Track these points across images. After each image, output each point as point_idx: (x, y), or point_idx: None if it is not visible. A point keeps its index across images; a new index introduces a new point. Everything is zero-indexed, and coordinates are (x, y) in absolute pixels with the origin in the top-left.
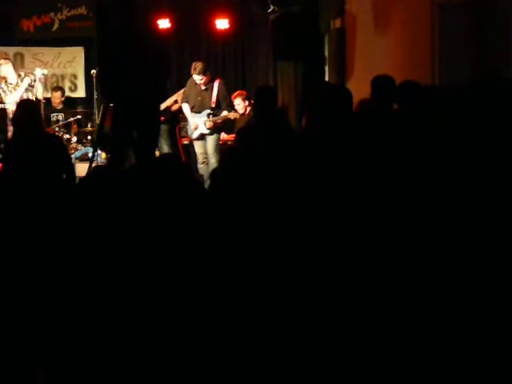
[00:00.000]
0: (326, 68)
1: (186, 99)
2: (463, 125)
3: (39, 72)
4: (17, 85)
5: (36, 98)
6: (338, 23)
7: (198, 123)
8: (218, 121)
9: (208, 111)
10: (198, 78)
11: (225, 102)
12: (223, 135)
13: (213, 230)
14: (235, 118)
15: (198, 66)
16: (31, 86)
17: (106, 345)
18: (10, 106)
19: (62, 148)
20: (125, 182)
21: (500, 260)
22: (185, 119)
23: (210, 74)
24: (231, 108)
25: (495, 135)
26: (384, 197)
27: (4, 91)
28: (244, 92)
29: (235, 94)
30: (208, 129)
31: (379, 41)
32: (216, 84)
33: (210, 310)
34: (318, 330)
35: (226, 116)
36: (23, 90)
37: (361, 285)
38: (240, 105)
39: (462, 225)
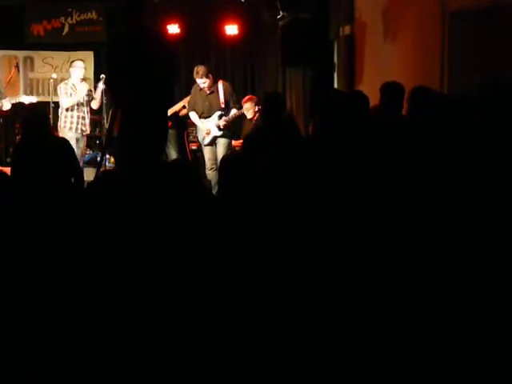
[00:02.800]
0: (335, 75)
1: (192, 108)
2: (472, 135)
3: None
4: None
5: (91, 108)
6: (347, 30)
7: (209, 128)
8: (230, 119)
9: (218, 113)
10: (201, 82)
11: (232, 101)
12: (234, 141)
13: (221, 234)
14: (243, 123)
15: (200, 69)
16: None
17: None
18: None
19: (71, 152)
20: (132, 187)
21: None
22: (193, 124)
23: (213, 76)
24: (240, 106)
25: (503, 146)
26: (392, 203)
27: (66, 93)
28: (254, 97)
29: (246, 98)
30: (221, 129)
31: (389, 48)
32: (220, 85)
33: (219, 315)
34: (323, 331)
35: (236, 113)
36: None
37: (371, 288)
38: (249, 110)
39: (468, 230)
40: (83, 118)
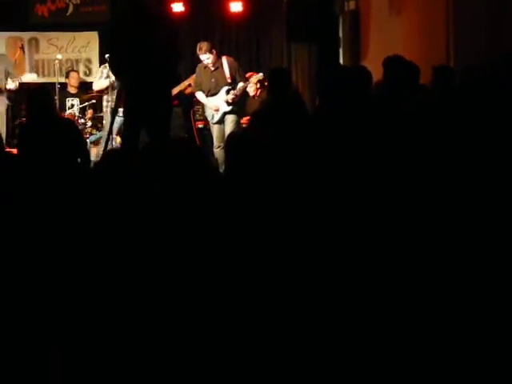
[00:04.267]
0: (341, 50)
1: (198, 87)
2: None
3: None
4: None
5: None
6: (352, 5)
7: (218, 104)
8: (238, 93)
9: (226, 88)
10: (205, 58)
11: (239, 75)
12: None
13: (226, 217)
14: (247, 100)
15: (203, 45)
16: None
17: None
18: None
19: (77, 132)
20: (137, 166)
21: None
22: (199, 103)
23: (216, 52)
24: (246, 79)
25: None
26: (396, 186)
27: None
28: (255, 74)
29: (247, 75)
30: (230, 104)
31: (394, 23)
32: (224, 60)
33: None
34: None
35: (244, 85)
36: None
37: (372, 281)
38: (251, 87)
39: (478, 222)
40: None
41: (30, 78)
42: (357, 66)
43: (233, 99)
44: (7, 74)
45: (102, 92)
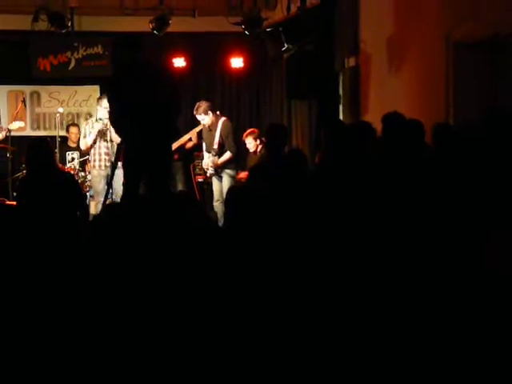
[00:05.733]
0: (341, 106)
1: (202, 139)
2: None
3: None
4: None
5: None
6: (352, 61)
7: (208, 163)
8: (217, 164)
9: (212, 152)
10: (200, 118)
11: (228, 143)
12: (240, 173)
13: (224, 268)
14: (248, 156)
15: (200, 106)
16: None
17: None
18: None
19: (76, 186)
20: (137, 220)
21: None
22: (199, 157)
23: (216, 114)
24: (233, 149)
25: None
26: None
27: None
28: (255, 130)
29: (246, 132)
30: (214, 169)
31: (394, 79)
32: (220, 124)
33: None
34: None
35: (220, 162)
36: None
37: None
38: (251, 143)
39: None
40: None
41: (17, 125)
42: (361, 121)
43: (212, 167)
44: None
45: (89, 149)
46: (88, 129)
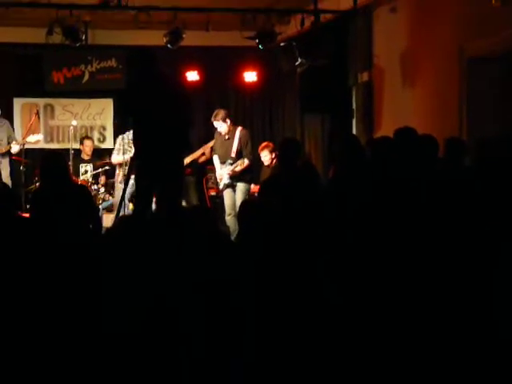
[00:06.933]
0: (354, 121)
1: (214, 152)
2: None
3: None
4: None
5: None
6: (365, 76)
7: (222, 174)
8: (236, 169)
9: (229, 160)
10: (218, 125)
11: (246, 151)
12: (253, 186)
13: (237, 280)
14: (262, 169)
15: (219, 113)
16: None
17: None
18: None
19: (89, 198)
20: (149, 233)
21: None
22: (212, 171)
23: (233, 122)
24: (251, 157)
25: None
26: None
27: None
28: (271, 144)
29: (262, 145)
30: (231, 178)
31: (407, 94)
32: (238, 132)
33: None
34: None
35: (240, 168)
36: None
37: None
38: (267, 157)
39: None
40: None
41: (35, 138)
42: (383, 137)
43: (230, 175)
44: (10, 139)
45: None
46: (125, 145)
